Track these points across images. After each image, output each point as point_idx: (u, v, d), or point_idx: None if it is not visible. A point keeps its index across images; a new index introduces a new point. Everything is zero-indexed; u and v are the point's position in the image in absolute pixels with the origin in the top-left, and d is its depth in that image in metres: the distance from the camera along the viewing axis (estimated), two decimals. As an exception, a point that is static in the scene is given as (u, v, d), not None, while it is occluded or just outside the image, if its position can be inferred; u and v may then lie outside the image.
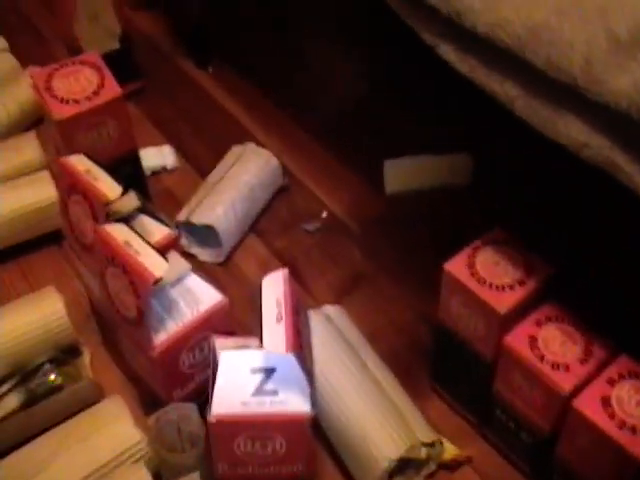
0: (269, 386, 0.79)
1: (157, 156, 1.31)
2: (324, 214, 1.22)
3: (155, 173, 1.30)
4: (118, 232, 0.86)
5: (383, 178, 1.23)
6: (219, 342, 0.84)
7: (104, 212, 0.86)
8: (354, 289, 1.14)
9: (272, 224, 1.23)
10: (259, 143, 1.30)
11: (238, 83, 1.46)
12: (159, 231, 0.91)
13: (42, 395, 1.01)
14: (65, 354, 1.06)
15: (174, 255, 0.89)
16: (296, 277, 1.15)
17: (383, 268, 1.16)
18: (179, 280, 0.89)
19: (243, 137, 1.34)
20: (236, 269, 1.18)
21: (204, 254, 1.17)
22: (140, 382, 0.99)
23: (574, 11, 0.66)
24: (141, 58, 1.46)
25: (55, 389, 1.02)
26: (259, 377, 0.80)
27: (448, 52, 0.76)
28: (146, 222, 0.92)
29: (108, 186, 0.88)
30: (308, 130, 1.35)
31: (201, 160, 1.33)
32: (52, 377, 1.02)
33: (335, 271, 1.16)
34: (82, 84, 1.11)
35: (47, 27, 1.62)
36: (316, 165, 1.30)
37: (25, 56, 1.48)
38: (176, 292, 0.88)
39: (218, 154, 1.30)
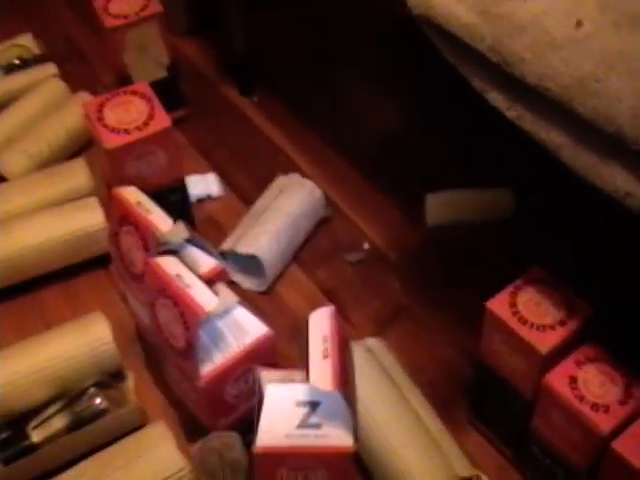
0: (313, 419, 0.81)
1: (202, 184, 1.33)
2: (366, 245, 1.24)
3: (199, 201, 1.32)
4: (169, 264, 0.88)
5: (424, 210, 1.24)
6: (264, 374, 0.86)
7: (156, 245, 0.88)
8: (394, 321, 1.16)
9: (314, 254, 1.25)
10: (302, 173, 1.32)
11: (282, 112, 1.48)
12: (207, 263, 0.94)
13: (87, 418, 1.03)
14: (110, 377, 1.08)
15: (222, 287, 0.91)
16: (337, 307, 1.16)
17: (423, 301, 1.17)
18: (226, 312, 0.90)
19: (286, 167, 1.36)
20: (278, 298, 1.20)
21: (247, 282, 1.19)
22: (183, 407, 1.01)
23: (622, 64, 0.67)
24: (186, 85, 1.48)
25: (100, 413, 1.04)
26: (304, 410, 0.81)
27: (497, 99, 0.78)
28: (194, 253, 0.94)
29: (160, 219, 0.90)
30: (350, 161, 1.37)
31: (244, 188, 1.35)
32: (98, 401, 1.04)
33: (376, 302, 1.18)
34: (132, 114, 1.14)
35: (95, 54, 1.65)
36: (358, 196, 1.32)
37: (73, 81, 1.52)
38: (223, 323, 0.90)
39: (261, 183, 1.32)
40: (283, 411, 0.81)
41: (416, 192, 1.27)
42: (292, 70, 1.56)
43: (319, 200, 1.25)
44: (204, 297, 0.83)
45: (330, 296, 1.19)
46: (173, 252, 0.92)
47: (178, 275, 0.86)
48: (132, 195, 0.94)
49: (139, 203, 0.92)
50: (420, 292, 1.18)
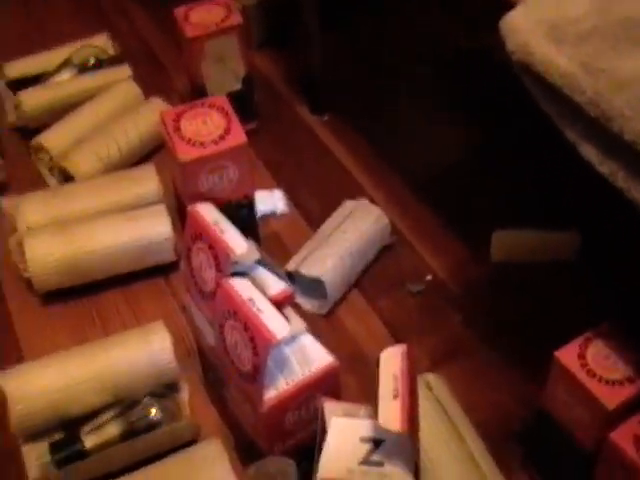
0: (376, 457, 0.80)
1: (268, 200, 1.33)
2: (429, 277, 1.23)
3: (264, 216, 1.32)
4: (242, 287, 0.88)
5: (490, 246, 1.23)
6: (328, 405, 0.86)
7: (229, 266, 0.88)
8: (452, 358, 1.15)
9: (376, 281, 1.24)
10: (368, 197, 1.33)
11: (351, 134, 1.48)
12: (275, 285, 0.93)
13: (141, 428, 1.04)
14: (165, 389, 1.08)
15: (290, 313, 0.91)
16: (395, 337, 1.17)
17: (482, 339, 1.16)
18: (293, 338, 0.90)
19: (353, 190, 1.36)
20: (337, 322, 1.20)
21: (308, 304, 1.19)
22: (237, 428, 1.01)
23: None
24: (258, 98, 1.48)
25: (154, 424, 1.04)
26: (367, 447, 0.81)
27: (590, 153, 0.77)
28: (263, 275, 0.94)
29: (234, 240, 0.90)
30: (417, 189, 1.37)
31: (309, 207, 1.35)
32: (152, 412, 1.04)
33: (434, 336, 1.17)
34: (209, 127, 1.14)
35: (169, 60, 1.66)
36: (423, 225, 1.31)
37: (146, 85, 1.53)
38: (289, 350, 0.90)
39: (326, 203, 1.33)
40: (346, 445, 0.81)
41: (482, 227, 1.25)
42: (362, 93, 1.55)
43: (385, 227, 1.24)
44: (276, 323, 0.83)
45: (389, 325, 1.18)
46: (242, 273, 0.91)
47: (251, 299, 0.86)
48: (208, 213, 0.93)
49: (215, 221, 0.92)
50: (480, 330, 1.17)
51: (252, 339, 0.83)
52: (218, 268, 0.90)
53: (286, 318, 0.86)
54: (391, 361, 0.81)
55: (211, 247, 0.90)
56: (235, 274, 0.91)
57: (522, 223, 1.25)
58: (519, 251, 1.24)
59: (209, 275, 0.92)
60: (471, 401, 1.06)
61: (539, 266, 1.23)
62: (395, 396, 0.78)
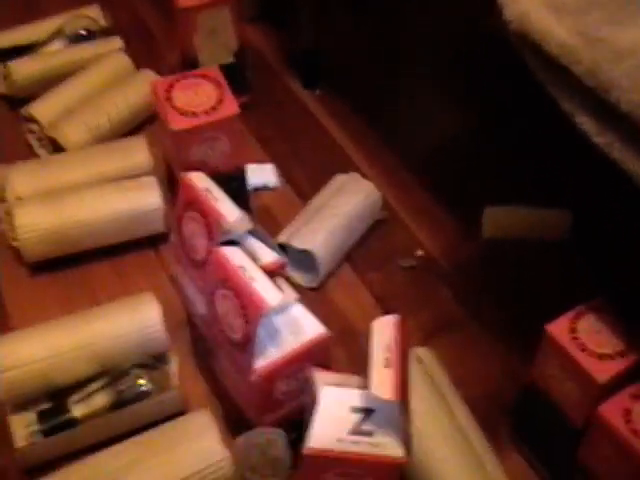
0: (366, 427, 0.80)
1: (260, 174, 1.33)
2: (419, 252, 1.23)
3: (256, 190, 1.31)
4: (234, 255, 0.87)
5: (482, 222, 1.23)
6: (319, 375, 0.85)
7: (221, 235, 0.88)
8: (441, 331, 1.15)
9: (366, 256, 1.24)
10: (360, 172, 1.32)
11: (344, 109, 1.47)
12: (267, 255, 0.93)
13: (129, 398, 1.03)
14: (153, 360, 1.07)
15: (282, 283, 0.90)
16: (385, 312, 1.16)
17: (473, 315, 1.16)
18: (284, 308, 0.90)
19: (345, 164, 1.36)
20: (327, 296, 1.20)
21: (297, 277, 1.19)
22: (228, 399, 1.01)
23: None
24: (250, 72, 1.47)
25: (142, 394, 1.04)
26: (358, 416, 0.81)
27: (586, 123, 0.77)
28: (255, 245, 0.93)
29: (227, 208, 0.90)
30: (410, 166, 1.36)
31: (301, 182, 1.35)
32: (141, 382, 1.04)
33: (425, 311, 1.17)
34: (201, 98, 1.13)
35: (161, 32, 1.65)
36: (415, 202, 1.31)
37: (137, 58, 1.52)
38: (280, 320, 0.90)
39: (318, 178, 1.32)
40: (337, 415, 0.81)
41: (474, 204, 1.25)
42: (358, 67, 1.54)
43: (377, 202, 1.24)
44: (268, 292, 0.82)
45: (379, 299, 1.18)
46: (234, 242, 0.91)
47: (242, 267, 0.85)
48: (201, 181, 0.93)
49: (207, 190, 0.92)
50: (471, 306, 1.17)
51: (243, 307, 0.83)
52: (210, 236, 0.90)
53: (278, 287, 0.85)
54: (383, 330, 0.81)
55: (203, 215, 0.90)
56: (227, 243, 0.90)
57: (515, 200, 1.24)
58: (510, 228, 1.24)
59: (200, 243, 0.91)
60: (461, 376, 1.06)
61: (530, 243, 1.23)
62: (387, 365, 0.78)
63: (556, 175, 1.29)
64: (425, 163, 1.37)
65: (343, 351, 1.11)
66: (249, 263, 0.87)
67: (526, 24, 0.78)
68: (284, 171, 1.37)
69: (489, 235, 1.24)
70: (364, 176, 1.30)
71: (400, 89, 1.50)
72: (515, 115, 1.38)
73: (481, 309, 1.17)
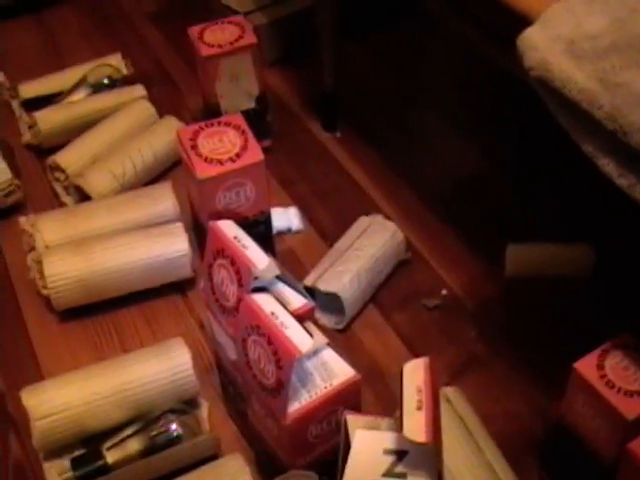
0: (400, 469, 0.81)
1: (283, 217, 1.34)
2: (444, 292, 1.25)
3: (280, 233, 1.33)
4: (264, 302, 0.89)
5: (504, 260, 1.24)
6: (351, 418, 0.87)
7: (251, 281, 0.89)
8: (467, 370, 1.16)
9: (392, 296, 1.25)
10: (383, 213, 1.34)
11: (364, 150, 1.49)
12: (296, 300, 0.94)
13: (162, 444, 1.05)
14: (184, 405, 1.09)
15: (312, 327, 0.92)
16: (411, 352, 1.18)
17: (498, 352, 1.17)
18: (315, 352, 0.91)
19: (366, 205, 1.38)
20: (354, 337, 1.21)
21: (324, 319, 1.20)
22: (257, 442, 1.02)
23: None
24: (271, 116, 1.49)
25: (175, 440, 1.05)
26: (391, 459, 0.82)
27: (608, 166, 0.78)
28: (284, 290, 0.95)
29: (256, 255, 0.91)
30: (430, 205, 1.38)
31: (324, 224, 1.37)
32: (173, 427, 1.05)
33: (450, 350, 1.18)
34: (226, 145, 1.16)
35: (182, 78, 1.67)
36: (438, 241, 1.33)
37: (159, 104, 1.54)
38: (311, 364, 0.91)
39: (341, 219, 1.34)
40: (370, 458, 0.82)
41: (496, 241, 1.26)
42: (376, 108, 1.57)
43: (401, 243, 1.26)
44: (299, 337, 0.84)
45: (405, 339, 1.19)
46: (262, 288, 0.92)
47: (273, 313, 0.87)
48: (229, 229, 0.95)
49: (236, 237, 0.93)
50: (495, 343, 1.18)
51: (276, 353, 0.84)
52: (240, 283, 0.91)
53: (308, 332, 0.86)
54: (414, 373, 0.82)
55: (233, 262, 0.91)
56: (255, 290, 0.92)
57: (537, 237, 1.26)
58: (533, 265, 1.25)
59: (231, 290, 0.93)
60: (487, 413, 1.07)
61: (553, 281, 1.23)
62: (419, 407, 0.79)
63: (578, 211, 1.31)
64: (446, 202, 1.38)
65: (371, 391, 1.12)
66: (280, 309, 0.88)
67: (546, 71, 0.80)
68: (306, 213, 1.39)
69: (512, 273, 1.25)
70: (386, 217, 1.31)
71: (420, 129, 1.52)
72: (537, 152, 1.39)
73: (505, 348, 1.17)
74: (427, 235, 1.33)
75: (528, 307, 1.21)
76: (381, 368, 1.16)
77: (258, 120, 1.40)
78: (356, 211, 1.34)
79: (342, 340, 1.19)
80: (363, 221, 1.28)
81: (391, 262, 1.25)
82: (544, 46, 0.80)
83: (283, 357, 0.84)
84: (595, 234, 1.26)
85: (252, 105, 1.41)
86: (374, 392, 1.12)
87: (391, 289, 1.26)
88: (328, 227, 1.35)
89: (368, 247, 1.22)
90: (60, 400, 1.04)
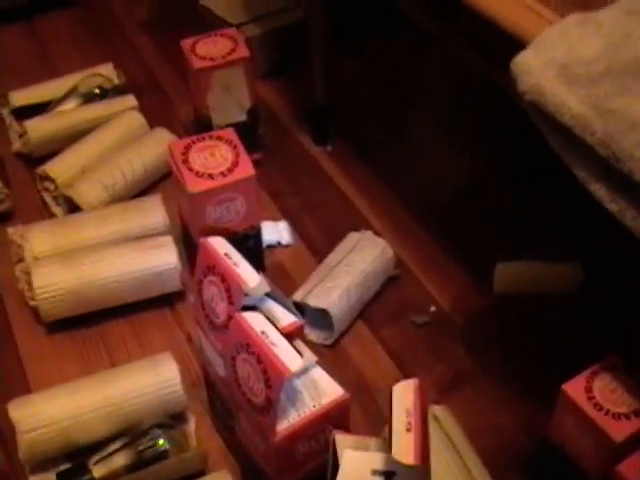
0: (387, 490, 0.81)
1: (273, 231, 1.35)
2: (432, 308, 1.25)
3: (269, 247, 1.33)
4: (255, 320, 0.89)
5: (493, 278, 1.25)
6: (339, 438, 0.87)
7: (241, 298, 0.89)
8: (455, 387, 1.16)
9: (380, 312, 1.26)
10: (372, 228, 1.34)
11: (356, 165, 1.49)
12: (285, 318, 0.94)
13: (149, 458, 1.05)
14: (171, 419, 1.09)
15: (301, 345, 0.92)
16: (400, 368, 1.18)
17: (485, 369, 1.17)
18: (304, 371, 0.91)
19: (356, 220, 1.38)
20: (342, 352, 1.21)
21: (313, 335, 1.20)
22: (244, 458, 1.02)
23: None
24: (261, 129, 1.49)
25: (162, 454, 1.05)
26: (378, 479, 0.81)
27: (599, 191, 0.79)
28: (273, 307, 0.95)
29: (247, 273, 0.91)
30: (421, 220, 1.38)
31: (313, 238, 1.37)
32: (160, 442, 1.05)
33: (438, 367, 1.18)
34: (217, 160, 1.16)
35: (173, 89, 1.67)
36: (427, 258, 1.33)
37: (150, 115, 1.54)
38: (301, 383, 0.91)
39: (331, 234, 1.34)
40: (357, 478, 0.81)
41: (484, 258, 1.27)
42: (368, 122, 1.57)
43: (390, 259, 1.26)
44: (289, 356, 0.84)
45: (393, 355, 1.20)
46: (253, 307, 0.92)
47: (263, 332, 0.87)
48: (220, 246, 0.95)
49: (226, 254, 0.93)
50: (483, 360, 1.18)
51: (265, 371, 0.84)
52: (230, 300, 0.91)
53: (298, 351, 0.86)
54: (404, 394, 0.82)
55: (223, 279, 0.91)
56: (245, 307, 0.92)
57: (525, 255, 1.26)
58: (522, 283, 1.26)
59: (221, 307, 0.93)
60: (474, 429, 1.07)
61: (541, 298, 1.23)
62: (408, 429, 0.79)
63: (567, 229, 1.31)
64: (436, 219, 1.39)
65: (358, 406, 1.12)
66: (270, 328, 0.88)
67: (540, 95, 0.80)
68: (296, 227, 1.39)
69: (500, 290, 1.26)
70: (376, 232, 1.31)
71: (412, 142, 1.52)
72: (526, 171, 1.40)
73: (493, 365, 1.18)
74: (416, 251, 1.34)
75: (516, 325, 1.22)
76: (369, 383, 1.17)
77: (249, 133, 1.40)
78: (346, 225, 1.34)
79: (330, 355, 1.19)
80: (353, 237, 1.28)
81: (380, 278, 1.25)
82: (538, 70, 0.81)
83: (273, 376, 0.84)
84: (584, 251, 1.26)
85: (244, 118, 1.41)
86: (361, 407, 1.12)
87: (380, 305, 1.26)
88: (318, 241, 1.35)
89: (358, 263, 1.22)
90: (47, 413, 1.04)
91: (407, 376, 1.14)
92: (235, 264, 0.93)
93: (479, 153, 1.49)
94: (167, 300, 1.27)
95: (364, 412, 1.12)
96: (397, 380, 1.08)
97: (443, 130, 1.54)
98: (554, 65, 0.81)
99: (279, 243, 1.35)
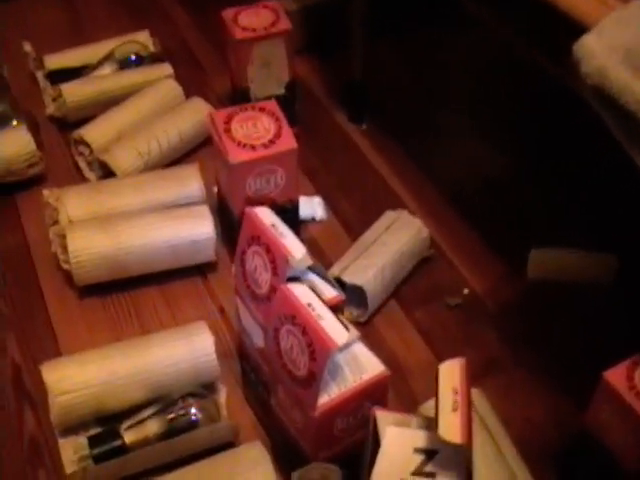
0: (429, 468, 0.81)
1: (308, 206, 1.34)
2: (465, 291, 1.24)
3: (303, 221, 1.32)
4: (300, 292, 0.88)
5: (527, 263, 1.24)
6: (381, 415, 0.86)
7: (287, 270, 0.89)
8: (487, 374, 1.15)
9: (413, 293, 1.25)
10: (406, 207, 1.33)
11: (389, 144, 1.49)
12: (327, 291, 0.94)
13: (180, 427, 1.04)
14: (203, 389, 1.08)
15: (344, 320, 0.91)
16: (431, 349, 1.17)
17: (517, 356, 1.17)
18: (347, 345, 0.91)
19: (390, 199, 1.38)
20: (374, 331, 1.21)
21: (346, 311, 1.20)
22: (276, 431, 1.01)
23: None
24: (299, 104, 1.49)
25: (193, 423, 1.04)
26: (421, 457, 0.81)
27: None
28: (316, 281, 0.94)
29: (293, 245, 0.91)
30: (457, 204, 1.37)
31: (347, 215, 1.36)
32: (192, 411, 1.05)
33: (469, 352, 1.17)
34: (260, 131, 1.15)
35: (208, 61, 1.66)
36: (461, 240, 1.32)
37: (185, 85, 1.53)
38: (342, 358, 0.90)
39: (364, 211, 1.34)
40: (400, 455, 0.81)
41: (520, 243, 1.26)
42: (402, 103, 1.56)
43: (425, 240, 1.25)
44: (335, 330, 0.83)
45: (425, 336, 1.19)
46: (296, 278, 0.92)
47: (310, 304, 0.86)
48: (266, 216, 0.94)
49: (273, 225, 0.93)
50: (515, 347, 1.18)
51: (311, 344, 0.84)
52: (274, 272, 0.91)
53: (344, 325, 0.86)
54: (451, 373, 0.82)
55: (268, 250, 0.91)
56: (290, 279, 0.91)
57: (560, 242, 1.25)
58: (555, 270, 1.25)
59: (264, 278, 0.92)
60: (504, 417, 1.06)
61: (575, 286, 1.23)
62: (455, 409, 0.79)
63: (603, 219, 1.30)
64: (472, 201, 1.38)
65: (389, 386, 1.11)
66: (315, 300, 0.88)
67: (603, 78, 0.79)
68: (330, 203, 1.38)
69: (534, 276, 1.25)
70: (410, 212, 1.30)
71: (445, 126, 1.52)
72: (565, 159, 1.39)
73: (525, 351, 1.17)
74: (449, 233, 1.33)
75: (548, 312, 1.21)
76: (400, 363, 1.16)
77: (286, 107, 1.38)
78: (379, 204, 1.34)
79: (362, 333, 1.17)
80: (389, 216, 1.28)
81: (414, 258, 1.25)
82: (602, 54, 0.80)
83: (318, 349, 0.83)
84: (620, 241, 1.25)
85: (282, 91, 1.40)
86: (392, 387, 1.11)
87: (413, 285, 1.26)
88: (350, 218, 1.35)
89: (393, 242, 1.22)
90: (81, 377, 1.04)
91: (438, 358, 1.14)
92: (281, 235, 0.92)
93: (513, 141, 1.48)
94: (200, 270, 1.27)
95: (394, 391, 1.11)
96: (428, 361, 1.09)
97: (478, 119, 1.53)
98: (619, 49, 0.80)
99: (313, 218, 1.34)
